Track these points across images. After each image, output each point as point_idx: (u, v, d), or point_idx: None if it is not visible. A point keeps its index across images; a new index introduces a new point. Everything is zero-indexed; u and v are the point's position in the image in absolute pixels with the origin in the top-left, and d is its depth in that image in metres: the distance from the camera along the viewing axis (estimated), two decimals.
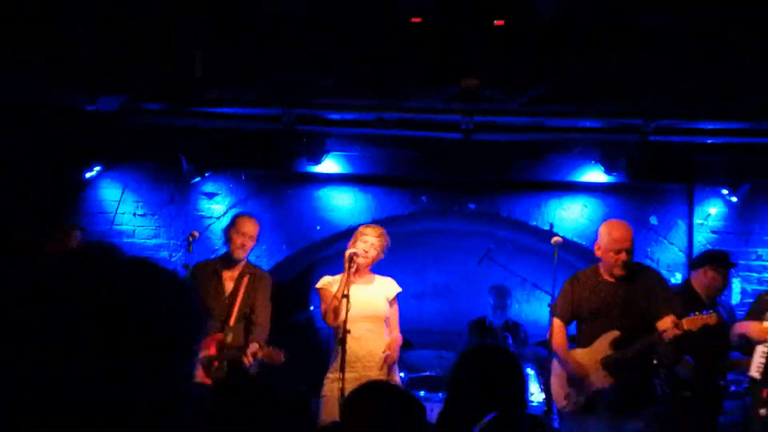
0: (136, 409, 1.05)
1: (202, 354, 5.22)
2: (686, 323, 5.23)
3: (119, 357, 1.03)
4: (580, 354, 5.55)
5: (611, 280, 5.58)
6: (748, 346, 5.80)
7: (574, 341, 5.89)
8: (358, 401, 3.04)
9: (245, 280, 5.68)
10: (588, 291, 5.67)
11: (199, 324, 1.17)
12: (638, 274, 5.68)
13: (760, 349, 5.71)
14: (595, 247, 5.70)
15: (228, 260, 5.74)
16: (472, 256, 7.87)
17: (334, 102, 7.05)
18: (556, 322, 5.66)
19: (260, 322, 5.65)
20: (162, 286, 1.12)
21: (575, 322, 5.77)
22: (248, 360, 5.37)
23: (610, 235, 5.54)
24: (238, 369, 5.37)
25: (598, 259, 5.69)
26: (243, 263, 5.76)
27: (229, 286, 5.67)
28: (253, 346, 5.40)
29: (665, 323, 5.29)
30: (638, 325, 5.41)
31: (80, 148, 7.25)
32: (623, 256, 5.46)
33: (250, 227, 5.74)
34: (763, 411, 5.71)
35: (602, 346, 5.45)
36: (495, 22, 6.58)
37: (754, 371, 5.70)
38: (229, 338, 5.47)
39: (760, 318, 5.86)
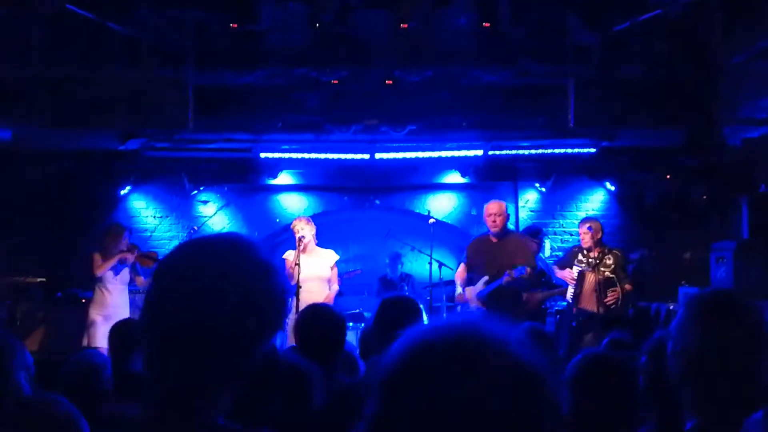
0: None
1: None
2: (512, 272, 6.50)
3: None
4: (468, 290, 6.97)
5: (493, 240, 6.92)
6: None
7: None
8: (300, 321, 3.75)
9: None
10: (479, 248, 7.05)
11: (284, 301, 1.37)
12: (508, 236, 7.04)
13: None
14: (484, 217, 7.09)
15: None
16: (378, 234, 9.39)
17: (286, 138, 8.48)
18: (462, 265, 7.10)
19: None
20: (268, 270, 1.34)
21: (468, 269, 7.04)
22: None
23: (486, 209, 7.00)
24: None
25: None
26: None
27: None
28: None
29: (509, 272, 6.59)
30: (500, 272, 6.65)
31: (115, 174, 8.84)
32: (493, 219, 6.88)
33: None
34: (588, 337, 6.84)
35: (479, 284, 6.83)
36: (387, 81, 8.36)
37: (568, 297, 7.23)
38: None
39: (570, 265, 7.24)
